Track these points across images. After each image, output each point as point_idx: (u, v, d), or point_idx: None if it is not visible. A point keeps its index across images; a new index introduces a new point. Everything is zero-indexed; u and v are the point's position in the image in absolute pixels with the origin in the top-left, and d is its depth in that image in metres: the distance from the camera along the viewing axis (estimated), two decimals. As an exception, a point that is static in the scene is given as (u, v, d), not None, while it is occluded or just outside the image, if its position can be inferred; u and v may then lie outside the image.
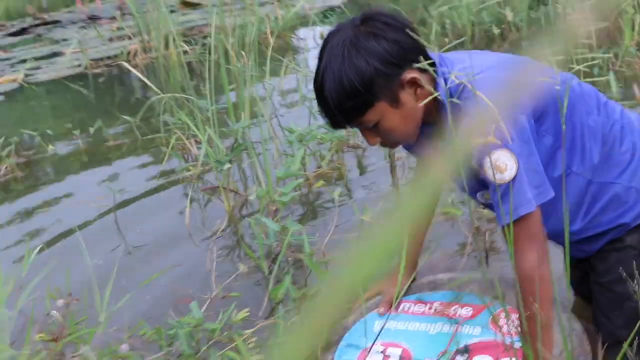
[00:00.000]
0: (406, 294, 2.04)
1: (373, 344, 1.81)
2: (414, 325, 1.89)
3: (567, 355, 1.45)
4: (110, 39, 7.59)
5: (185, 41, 5.61)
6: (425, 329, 1.87)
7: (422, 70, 1.56)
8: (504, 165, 1.50)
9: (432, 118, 1.64)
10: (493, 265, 2.43)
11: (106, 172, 3.80)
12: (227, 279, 2.51)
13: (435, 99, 1.58)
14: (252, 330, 1.88)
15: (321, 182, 3.18)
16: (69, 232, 3.03)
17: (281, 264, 2.44)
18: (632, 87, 3.70)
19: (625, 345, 1.42)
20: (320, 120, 3.55)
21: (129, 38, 6.93)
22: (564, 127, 1.42)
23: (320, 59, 1.56)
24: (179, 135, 3.75)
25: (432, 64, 1.61)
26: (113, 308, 1.87)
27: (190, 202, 3.12)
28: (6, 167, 4.01)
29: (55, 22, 9.61)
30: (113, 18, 8.41)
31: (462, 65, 1.59)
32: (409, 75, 1.53)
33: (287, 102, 4.61)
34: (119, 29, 7.27)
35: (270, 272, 2.40)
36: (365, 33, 1.52)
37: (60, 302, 1.65)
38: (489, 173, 1.51)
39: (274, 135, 3.48)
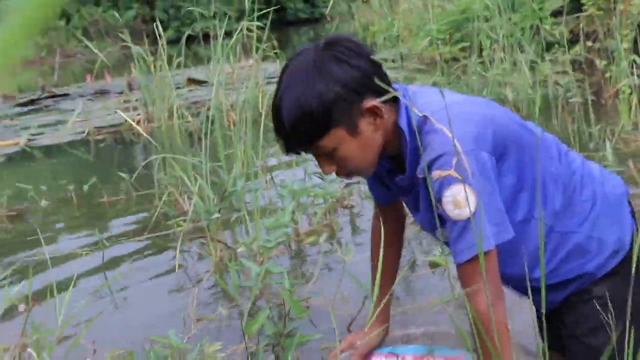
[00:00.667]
0: (379, 347, 2.01)
1: None
2: None
3: None
4: (116, 111, 7.70)
5: (189, 114, 5.77)
6: None
7: (385, 101, 1.57)
8: (463, 200, 1.46)
9: (392, 150, 1.62)
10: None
11: (97, 225, 3.77)
12: (206, 322, 2.46)
13: (396, 131, 1.59)
14: (225, 354, 1.81)
15: (311, 238, 3.16)
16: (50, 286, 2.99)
17: (259, 304, 2.39)
18: (627, 162, 3.71)
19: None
20: (315, 180, 3.58)
21: (135, 109, 7.04)
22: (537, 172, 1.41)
23: (280, 79, 1.53)
24: (171, 191, 3.77)
25: (395, 96, 1.62)
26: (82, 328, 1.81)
27: (180, 253, 3.10)
28: (-3, 218, 4.02)
29: (64, 95, 9.79)
30: (121, 93, 8.57)
31: (425, 99, 1.58)
32: (370, 103, 1.50)
33: (282, 163, 4.61)
34: (125, 101, 7.39)
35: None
36: (329, 57, 1.49)
37: (21, 306, 1.60)
38: (447, 208, 1.49)
39: (266, 187, 3.48)
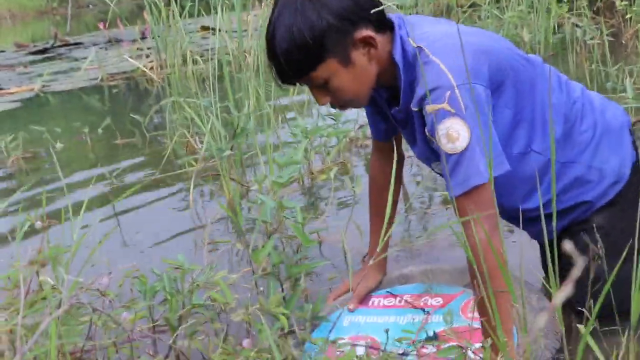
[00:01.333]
0: (376, 289, 2.03)
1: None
2: (383, 318, 1.88)
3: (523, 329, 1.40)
4: (129, 58, 7.69)
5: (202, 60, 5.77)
6: (395, 320, 1.85)
7: (379, 31, 1.55)
8: (456, 134, 1.46)
9: (387, 81, 1.62)
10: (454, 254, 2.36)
11: (110, 166, 3.79)
12: (217, 255, 2.50)
13: (391, 62, 1.58)
14: (236, 275, 1.83)
15: (324, 175, 3.16)
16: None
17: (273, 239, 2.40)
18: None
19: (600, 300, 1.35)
20: (328, 121, 3.57)
21: (147, 57, 7.02)
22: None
23: (273, 10, 1.52)
24: (183, 132, 3.78)
25: (391, 25, 1.60)
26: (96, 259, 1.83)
27: (192, 192, 3.12)
28: (12, 160, 4.04)
29: (77, 44, 9.77)
30: (134, 41, 8.53)
31: (422, 30, 1.57)
32: (363, 33, 1.50)
33: (294, 104, 4.59)
34: (138, 49, 7.36)
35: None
36: None
37: (38, 223, 1.63)
38: (441, 142, 1.48)
39: (277, 127, 3.48)
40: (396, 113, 1.66)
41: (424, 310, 1.87)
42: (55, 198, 3.33)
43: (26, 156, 4.15)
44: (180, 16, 6.35)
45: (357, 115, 3.72)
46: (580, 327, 1.37)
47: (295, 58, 1.49)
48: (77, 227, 1.62)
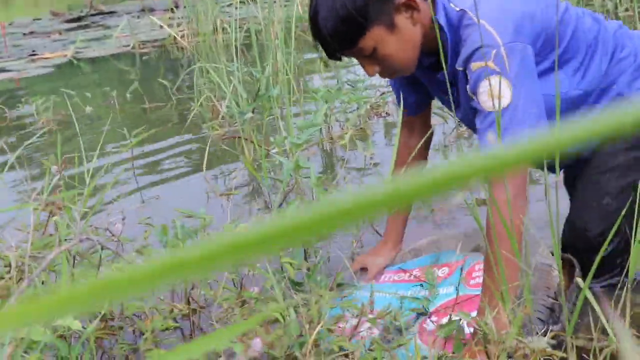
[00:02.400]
0: (390, 265, 2.03)
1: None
2: (391, 292, 1.85)
3: (527, 288, 1.43)
4: (162, 27, 7.79)
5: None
6: (404, 294, 1.83)
7: None
8: (499, 92, 1.46)
9: (430, 47, 1.60)
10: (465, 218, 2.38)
11: (137, 127, 3.86)
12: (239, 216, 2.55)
13: (433, 26, 1.55)
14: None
15: (343, 140, 3.20)
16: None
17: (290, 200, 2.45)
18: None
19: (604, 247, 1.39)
20: (347, 87, 3.60)
21: (179, 25, 7.09)
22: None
23: None
24: (208, 95, 3.84)
25: None
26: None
27: (214, 154, 3.18)
28: (42, 122, 4.14)
29: (111, 13, 9.87)
30: (167, 10, 8.61)
31: None
32: None
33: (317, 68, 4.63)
34: (170, 18, 7.43)
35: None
36: None
37: (54, 168, 1.69)
38: (482, 99, 1.50)
39: (298, 95, 3.52)
40: (442, 76, 1.61)
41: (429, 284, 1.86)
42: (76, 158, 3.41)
43: (56, 118, 4.25)
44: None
45: (379, 83, 3.74)
46: (579, 280, 1.41)
47: (341, 31, 1.49)
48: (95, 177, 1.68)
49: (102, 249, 1.39)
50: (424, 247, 2.07)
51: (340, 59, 1.63)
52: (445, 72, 1.45)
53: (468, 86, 1.55)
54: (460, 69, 1.56)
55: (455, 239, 2.04)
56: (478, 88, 1.50)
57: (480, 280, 1.74)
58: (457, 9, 1.56)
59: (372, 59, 1.56)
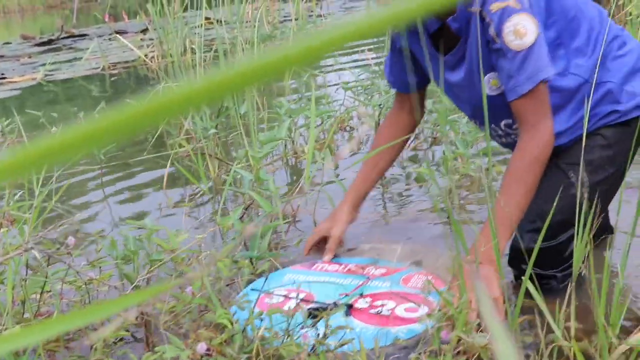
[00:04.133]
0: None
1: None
2: (324, 278, 1.88)
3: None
4: (132, 49, 7.80)
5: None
6: (335, 281, 1.86)
7: None
8: (524, 29, 1.49)
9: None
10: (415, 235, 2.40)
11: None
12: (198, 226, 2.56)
13: None
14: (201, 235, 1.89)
15: (307, 154, 3.22)
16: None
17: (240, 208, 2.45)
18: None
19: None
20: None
21: (149, 47, 7.11)
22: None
23: None
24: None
25: None
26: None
27: (179, 170, 3.18)
28: (8, 144, 4.13)
29: (83, 36, 9.86)
30: (138, 32, 8.62)
31: None
32: None
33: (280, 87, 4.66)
34: (141, 40, 7.45)
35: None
36: None
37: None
38: (508, 39, 1.51)
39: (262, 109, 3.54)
40: (452, 22, 1.63)
41: (364, 276, 1.88)
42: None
43: (21, 139, 4.23)
44: (184, 9, 6.42)
45: (343, 97, 3.78)
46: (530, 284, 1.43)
47: None
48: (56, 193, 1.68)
49: (48, 258, 1.39)
50: (365, 250, 2.08)
51: None
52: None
53: (491, 28, 1.53)
54: (478, 9, 1.54)
55: (396, 252, 2.04)
56: (503, 28, 1.50)
57: (418, 285, 1.76)
58: None
59: None
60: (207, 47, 6.26)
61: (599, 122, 1.71)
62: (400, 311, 1.64)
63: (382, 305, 1.67)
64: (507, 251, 1.70)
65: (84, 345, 1.62)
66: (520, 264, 1.68)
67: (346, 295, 1.73)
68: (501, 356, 0.26)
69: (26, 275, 1.61)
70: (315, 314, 1.55)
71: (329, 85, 4.97)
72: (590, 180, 1.67)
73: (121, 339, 1.66)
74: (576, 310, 1.42)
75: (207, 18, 9.17)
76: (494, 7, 1.49)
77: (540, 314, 1.35)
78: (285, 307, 1.57)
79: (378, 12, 0.21)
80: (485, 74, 1.64)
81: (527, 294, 1.35)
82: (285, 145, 3.34)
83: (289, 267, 1.99)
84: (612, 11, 4.94)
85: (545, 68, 1.52)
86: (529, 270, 1.32)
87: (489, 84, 1.67)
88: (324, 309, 1.58)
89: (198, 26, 8.17)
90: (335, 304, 1.65)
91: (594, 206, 1.58)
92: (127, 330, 1.57)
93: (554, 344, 1.37)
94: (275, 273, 1.93)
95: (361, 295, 1.73)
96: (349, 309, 1.65)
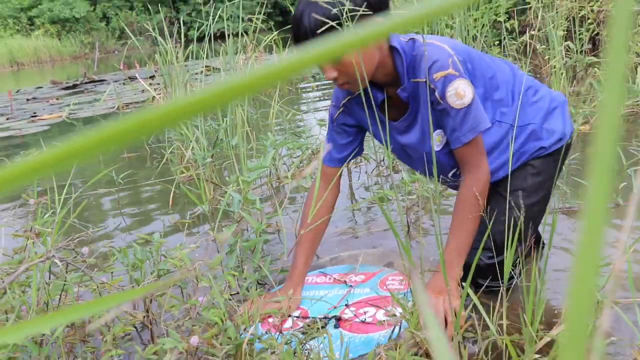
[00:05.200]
0: (311, 269, 1.98)
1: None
2: (314, 292, 1.84)
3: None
4: (142, 91, 7.80)
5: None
6: (324, 294, 1.82)
7: None
8: (463, 91, 1.51)
9: (385, 74, 1.61)
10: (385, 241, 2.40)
11: (116, 174, 3.85)
12: (195, 242, 2.53)
13: (389, 56, 1.58)
14: (195, 245, 1.87)
15: (289, 179, 3.22)
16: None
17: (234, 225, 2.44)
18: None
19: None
20: (292, 137, 3.62)
21: (156, 90, 7.10)
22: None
23: None
24: (178, 145, 3.84)
25: None
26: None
27: (180, 193, 3.17)
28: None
29: (101, 81, 9.83)
30: (147, 78, 8.63)
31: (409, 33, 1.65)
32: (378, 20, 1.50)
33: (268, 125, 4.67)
34: (150, 84, 7.44)
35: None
36: None
37: (31, 201, 1.67)
38: (451, 100, 1.53)
39: (252, 141, 3.53)
40: (401, 92, 1.62)
41: (348, 285, 1.86)
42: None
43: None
44: (186, 59, 6.43)
45: (319, 132, 3.79)
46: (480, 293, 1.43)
47: (320, 31, 1.43)
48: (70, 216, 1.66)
49: (67, 265, 1.37)
50: (344, 258, 2.07)
51: (302, 41, 1.52)
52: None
53: (436, 93, 1.55)
54: (422, 80, 1.56)
55: (371, 255, 2.05)
56: (446, 91, 1.52)
57: (393, 287, 1.77)
58: (407, 39, 1.61)
59: (334, 65, 1.52)
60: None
61: (529, 157, 1.74)
62: (380, 315, 1.63)
63: (365, 313, 1.65)
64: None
65: (97, 339, 1.60)
66: (476, 278, 1.69)
67: (334, 307, 1.69)
68: (435, 345, 0.26)
69: (49, 279, 1.59)
70: (308, 330, 1.54)
71: (307, 122, 4.99)
72: (525, 203, 1.70)
73: (129, 335, 1.64)
74: (508, 310, 1.43)
75: (206, 66, 9.23)
76: (437, 76, 1.52)
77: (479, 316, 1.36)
78: (286, 325, 1.57)
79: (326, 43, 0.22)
80: (434, 131, 1.66)
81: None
82: (270, 172, 3.33)
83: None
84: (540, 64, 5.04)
85: (483, 121, 1.56)
86: (469, 280, 1.32)
87: (435, 140, 1.68)
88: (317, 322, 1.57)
89: (198, 73, 8.23)
90: (326, 317, 1.62)
91: (530, 224, 1.61)
92: (134, 327, 1.55)
93: (489, 339, 1.37)
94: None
95: (347, 306, 1.70)
96: (338, 321, 1.62)
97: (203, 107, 0.24)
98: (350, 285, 1.85)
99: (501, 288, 1.45)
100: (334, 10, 1.43)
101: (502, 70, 1.72)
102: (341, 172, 1.91)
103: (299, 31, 1.48)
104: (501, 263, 1.70)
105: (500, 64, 1.74)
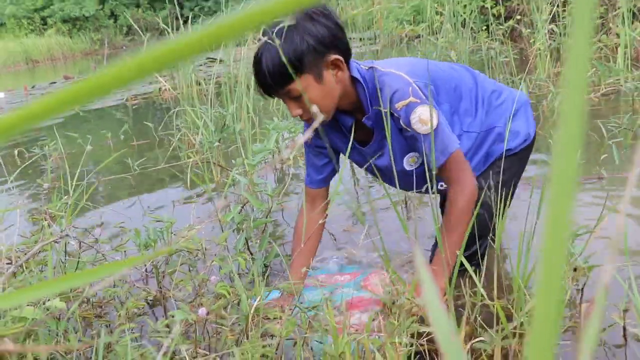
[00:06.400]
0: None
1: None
2: (306, 296, 1.74)
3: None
4: (150, 83, 7.74)
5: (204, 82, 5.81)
6: (309, 295, 1.74)
7: (345, 60, 1.52)
8: (426, 118, 1.47)
9: (349, 103, 1.58)
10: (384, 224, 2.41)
11: (127, 159, 3.82)
12: (201, 218, 2.52)
13: (351, 86, 1.55)
14: (201, 225, 1.85)
15: (291, 160, 3.20)
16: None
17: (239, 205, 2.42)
18: (541, 101, 3.73)
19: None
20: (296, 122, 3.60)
21: (161, 82, 7.05)
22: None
23: (263, 33, 1.46)
24: (185, 132, 3.82)
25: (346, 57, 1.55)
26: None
27: (189, 176, 3.15)
28: (52, 159, 4.07)
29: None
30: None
31: (364, 62, 1.60)
32: (334, 56, 1.46)
33: (273, 110, 4.64)
34: (156, 77, 7.39)
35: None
36: (304, 15, 1.44)
37: (45, 185, 1.65)
38: (416, 127, 1.49)
39: (256, 126, 3.51)
40: (366, 120, 1.60)
41: (333, 286, 1.78)
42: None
43: (62, 156, 4.17)
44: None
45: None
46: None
47: (278, 71, 1.43)
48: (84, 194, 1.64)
49: (79, 243, 1.35)
50: (331, 258, 2.03)
51: (272, 97, 1.55)
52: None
53: (401, 121, 1.52)
54: (386, 110, 1.52)
55: (358, 256, 2.02)
56: (410, 120, 1.48)
57: (373, 287, 1.73)
58: (367, 68, 1.57)
59: (297, 102, 1.50)
60: (212, 80, 6.23)
61: (496, 158, 1.72)
62: (365, 318, 1.59)
63: (351, 316, 1.62)
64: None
65: (112, 314, 1.59)
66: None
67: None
68: (431, 310, 0.25)
69: (65, 258, 1.58)
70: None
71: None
72: (489, 200, 1.69)
73: (141, 309, 1.63)
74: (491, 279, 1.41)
75: (208, 58, 9.17)
76: (399, 105, 1.48)
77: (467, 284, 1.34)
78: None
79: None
80: (405, 154, 1.65)
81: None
82: (273, 155, 3.31)
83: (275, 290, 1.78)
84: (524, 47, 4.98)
85: (452, 142, 1.51)
86: (461, 253, 1.31)
87: (408, 162, 1.66)
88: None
89: (202, 64, 8.16)
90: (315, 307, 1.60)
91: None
92: (148, 303, 1.54)
93: (481, 302, 1.36)
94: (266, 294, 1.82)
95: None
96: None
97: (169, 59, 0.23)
98: (338, 286, 1.76)
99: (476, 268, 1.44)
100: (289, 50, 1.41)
101: (464, 79, 1.68)
102: (328, 188, 1.86)
103: (259, 74, 1.47)
104: (471, 255, 1.72)
105: (462, 73, 1.71)
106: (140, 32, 6.20)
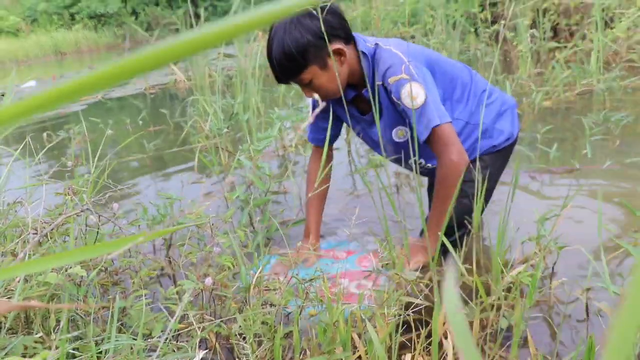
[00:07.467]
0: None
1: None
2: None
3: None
4: (166, 75, 7.70)
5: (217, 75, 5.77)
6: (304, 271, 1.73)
7: (347, 43, 1.55)
8: (415, 94, 1.47)
9: (357, 79, 1.60)
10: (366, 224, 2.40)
11: (143, 142, 3.81)
12: (210, 201, 2.51)
13: (359, 62, 1.57)
14: (208, 203, 1.85)
15: (293, 147, 3.19)
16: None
17: (243, 186, 2.42)
18: (522, 99, 3.71)
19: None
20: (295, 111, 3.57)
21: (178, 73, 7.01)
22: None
23: (270, 30, 1.51)
24: (196, 119, 3.79)
25: (354, 38, 1.58)
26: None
27: (198, 160, 3.14)
28: (76, 142, 4.05)
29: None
30: (172, 63, 8.54)
31: (372, 39, 1.60)
32: (335, 46, 1.49)
33: (277, 100, 4.62)
34: (172, 68, 7.35)
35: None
36: (304, 12, 1.46)
37: (70, 163, 1.64)
38: (406, 102, 1.48)
39: (262, 115, 3.49)
40: (366, 93, 1.61)
41: (330, 260, 1.79)
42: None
43: (86, 138, 4.15)
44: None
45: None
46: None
47: (286, 65, 1.48)
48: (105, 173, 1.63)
49: (99, 217, 1.35)
50: (336, 234, 2.03)
51: (288, 84, 1.58)
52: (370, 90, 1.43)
53: (392, 95, 1.52)
54: (380, 83, 1.53)
55: (352, 234, 2.00)
56: (401, 94, 1.48)
57: (367, 264, 1.73)
58: (372, 45, 1.57)
59: (309, 87, 1.55)
60: (222, 72, 6.18)
61: (482, 152, 1.71)
62: (352, 288, 1.58)
63: (340, 284, 1.61)
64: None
65: (127, 282, 1.59)
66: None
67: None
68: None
69: (85, 230, 1.57)
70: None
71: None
72: (473, 192, 1.67)
73: (153, 279, 1.63)
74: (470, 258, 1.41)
75: (224, 53, 9.12)
76: (391, 80, 1.48)
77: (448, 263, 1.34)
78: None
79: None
80: (395, 127, 1.64)
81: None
82: (276, 143, 3.30)
83: (275, 255, 1.78)
84: (505, 50, 4.94)
85: (434, 118, 1.48)
86: (442, 235, 1.30)
87: (397, 134, 1.66)
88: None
89: (215, 58, 8.12)
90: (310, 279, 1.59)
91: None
92: (158, 275, 1.53)
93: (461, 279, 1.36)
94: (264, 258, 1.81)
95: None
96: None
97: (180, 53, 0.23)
98: (334, 261, 1.77)
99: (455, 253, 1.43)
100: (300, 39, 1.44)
101: (461, 74, 1.67)
102: (330, 147, 1.88)
103: (272, 69, 1.51)
104: (458, 238, 1.70)
105: (461, 69, 1.69)
106: (153, 29, 6.16)
